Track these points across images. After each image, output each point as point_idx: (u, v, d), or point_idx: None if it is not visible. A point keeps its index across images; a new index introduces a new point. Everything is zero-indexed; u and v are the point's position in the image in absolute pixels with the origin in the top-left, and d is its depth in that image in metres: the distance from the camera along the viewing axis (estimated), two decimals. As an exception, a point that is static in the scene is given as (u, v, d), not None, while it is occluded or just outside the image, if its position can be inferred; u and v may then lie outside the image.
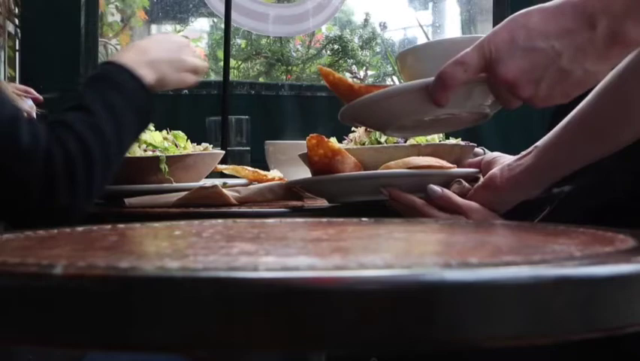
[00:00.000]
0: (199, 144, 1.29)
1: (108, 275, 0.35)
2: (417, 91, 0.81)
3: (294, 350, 0.36)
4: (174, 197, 1.14)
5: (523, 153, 0.92)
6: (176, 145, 1.23)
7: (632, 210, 0.85)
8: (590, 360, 0.83)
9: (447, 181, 0.96)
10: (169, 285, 0.34)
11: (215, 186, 1.13)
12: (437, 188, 0.94)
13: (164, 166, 1.18)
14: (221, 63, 2.27)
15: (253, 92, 2.36)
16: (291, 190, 1.19)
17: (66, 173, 0.95)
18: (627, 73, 0.72)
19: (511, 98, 0.77)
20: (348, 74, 3.30)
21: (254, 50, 3.19)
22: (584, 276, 0.37)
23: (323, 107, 2.27)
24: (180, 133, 1.28)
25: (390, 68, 3.32)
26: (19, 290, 0.35)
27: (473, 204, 0.93)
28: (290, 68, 3.17)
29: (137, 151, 1.21)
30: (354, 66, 3.33)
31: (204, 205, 1.12)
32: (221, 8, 2.31)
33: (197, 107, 2.21)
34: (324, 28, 3.29)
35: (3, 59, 2.55)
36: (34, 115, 1.45)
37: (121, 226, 0.65)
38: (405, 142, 1.08)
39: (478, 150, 1.12)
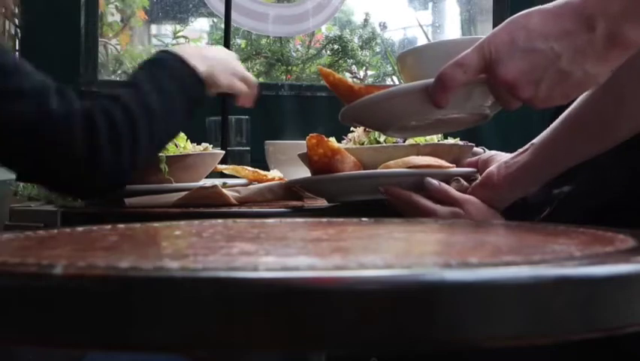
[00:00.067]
0: (199, 144, 1.29)
1: (108, 275, 0.35)
2: (417, 92, 0.81)
3: (294, 350, 0.36)
4: (174, 197, 1.14)
5: (520, 150, 0.92)
6: (176, 145, 1.23)
7: (632, 209, 0.85)
8: (590, 360, 0.83)
9: (446, 180, 0.97)
10: (169, 285, 0.34)
11: (215, 186, 1.13)
12: (434, 181, 0.95)
13: (164, 166, 1.18)
14: (221, 63, 2.26)
15: (253, 92, 2.35)
16: (291, 190, 1.19)
17: (111, 137, 0.97)
18: (622, 70, 0.72)
19: (510, 99, 0.77)
20: (348, 74, 3.30)
21: (254, 50, 3.19)
22: (584, 276, 0.37)
23: (323, 107, 2.27)
24: (180, 133, 1.28)
25: (390, 68, 3.31)
26: (19, 290, 0.35)
27: (470, 197, 0.94)
28: (290, 68, 3.16)
29: (137, 151, 1.21)
30: (354, 66, 3.32)
31: (204, 205, 1.12)
32: (221, 8, 2.31)
33: (197, 107, 2.20)
34: (324, 28, 3.28)
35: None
36: None
37: (121, 225, 0.65)
38: (404, 142, 1.08)
39: (478, 149, 1.12)
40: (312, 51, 3.29)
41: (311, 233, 0.61)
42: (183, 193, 1.14)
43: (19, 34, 2.27)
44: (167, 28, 3.80)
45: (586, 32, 0.70)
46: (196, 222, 0.67)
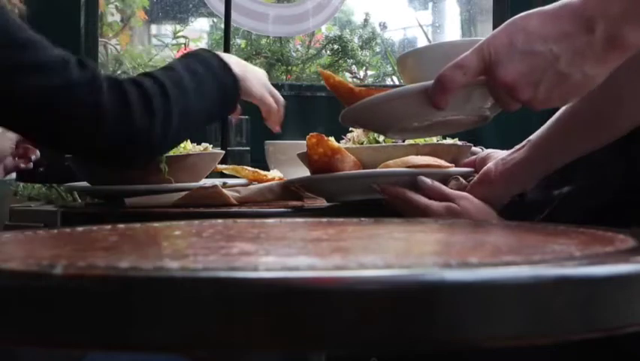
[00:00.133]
0: (199, 144, 1.29)
1: (108, 275, 0.35)
2: (417, 94, 0.81)
3: (294, 350, 0.36)
4: (174, 197, 1.14)
5: (517, 147, 0.93)
6: (176, 145, 1.23)
7: (631, 207, 0.86)
8: (590, 360, 0.83)
9: (444, 180, 0.97)
10: (169, 285, 0.34)
11: (215, 186, 1.13)
12: (427, 179, 0.95)
13: (164, 166, 1.18)
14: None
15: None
16: (291, 190, 1.19)
17: (142, 103, 0.98)
18: (620, 71, 0.73)
19: (510, 100, 0.77)
20: (348, 74, 3.30)
21: (254, 50, 3.19)
22: (584, 276, 0.37)
23: (323, 107, 2.27)
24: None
25: (390, 68, 3.31)
26: (19, 290, 0.35)
27: (464, 193, 0.94)
28: (290, 68, 3.16)
29: (137, 151, 1.21)
30: (354, 66, 3.32)
31: (204, 205, 1.12)
32: (221, 8, 2.31)
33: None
34: (323, 28, 3.28)
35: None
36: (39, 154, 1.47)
37: (121, 225, 0.65)
38: (403, 141, 1.08)
39: (476, 148, 1.12)
40: (312, 51, 3.29)
41: (311, 233, 0.61)
42: (183, 193, 1.14)
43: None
44: (167, 28, 3.80)
45: (585, 34, 0.70)
46: (196, 222, 0.67)
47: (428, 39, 3.52)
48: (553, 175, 0.92)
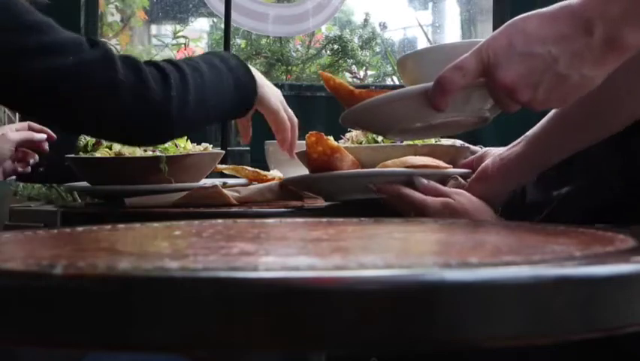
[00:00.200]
0: (199, 144, 1.29)
1: (108, 275, 0.35)
2: (417, 96, 0.81)
3: (294, 350, 0.36)
4: (174, 197, 1.14)
5: (514, 142, 0.94)
6: (176, 145, 1.23)
7: (630, 207, 0.86)
8: (590, 360, 0.83)
9: (442, 180, 0.98)
10: (169, 285, 0.34)
11: (215, 186, 1.13)
12: (423, 179, 0.96)
13: (164, 166, 1.18)
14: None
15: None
16: (291, 190, 1.19)
17: (160, 78, 0.99)
18: (618, 72, 0.73)
19: (509, 102, 0.77)
20: (348, 74, 3.30)
21: (254, 50, 3.19)
22: (584, 276, 0.37)
23: (323, 107, 2.27)
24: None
25: (390, 68, 3.31)
26: (19, 290, 0.35)
27: (460, 190, 0.95)
28: (290, 68, 3.16)
29: (137, 151, 1.21)
30: (353, 66, 3.32)
31: (204, 205, 1.12)
32: (221, 8, 2.31)
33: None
34: (323, 28, 3.28)
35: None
36: (46, 148, 1.47)
37: (121, 225, 0.65)
38: (402, 142, 1.08)
39: (476, 148, 1.13)
40: (312, 51, 3.29)
41: (311, 233, 0.61)
42: (183, 193, 1.14)
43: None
44: (167, 28, 3.80)
45: (583, 36, 0.70)
46: (196, 222, 0.67)
47: (428, 39, 3.52)
48: (552, 176, 0.92)
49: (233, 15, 2.11)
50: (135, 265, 0.38)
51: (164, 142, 1.15)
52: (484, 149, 1.06)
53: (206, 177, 1.31)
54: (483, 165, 0.96)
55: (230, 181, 1.26)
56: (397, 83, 3.09)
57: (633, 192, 0.86)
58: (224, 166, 1.36)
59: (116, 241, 0.56)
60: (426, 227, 0.71)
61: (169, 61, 1.04)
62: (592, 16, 0.69)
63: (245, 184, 1.24)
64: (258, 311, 0.33)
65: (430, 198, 0.94)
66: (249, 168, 1.32)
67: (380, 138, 1.10)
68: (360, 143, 1.10)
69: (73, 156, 1.25)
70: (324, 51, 3.31)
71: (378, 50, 3.42)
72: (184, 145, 1.24)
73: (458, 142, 1.13)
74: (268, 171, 1.36)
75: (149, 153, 1.21)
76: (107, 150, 1.24)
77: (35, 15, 0.96)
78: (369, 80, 3.35)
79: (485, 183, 0.94)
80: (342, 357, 0.45)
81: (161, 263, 0.40)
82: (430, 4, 4.09)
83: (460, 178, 0.99)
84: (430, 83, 0.79)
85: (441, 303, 0.34)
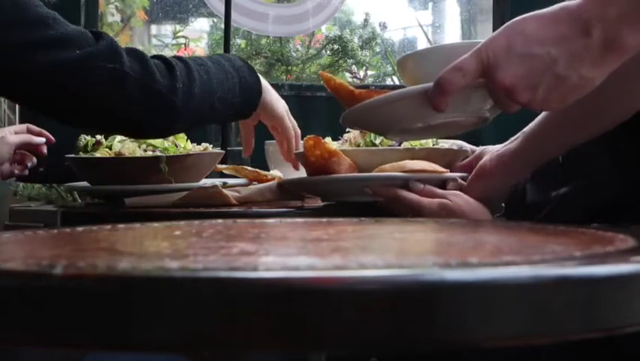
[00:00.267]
0: (199, 144, 1.29)
1: (108, 275, 0.35)
2: (417, 96, 0.81)
3: (294, 350, 0.36)
4: (174, 197, 1.14)
5: (512, 138, 0.95)
6: (176, 145, 1.23)
7: (630, 205, 0.86)
8: (590, 360, 0.83)
9: (439, 184, 0.99)
10: (169, 285, 0.34)
11: (215, 186, 1.13)
12: (419, 184, 0.97)
13: (164, 166, 1.18)
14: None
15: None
16: (291, 190, 1.19)
17: (165, 68, 0.99)
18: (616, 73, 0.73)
19: (509, 102, 0.78)
20: (348, 74, 3.30)
21: (254, 50, 3.18)
22: (584, 276, 0.37)
23: (323, 107, 2.27)
24: (180, 133, 1.28)
25: (390, 68, 3.31)
26: (19, 290, 0.35)
27: (456, 191, 0.96)
28: (290, 68, 3.16)
29: (137, 151, 1.21)
30: (354, 66, 3.32)
31: (204, 205, 1.12)
32: (221, 8, 2.30)
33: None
34: (323, 28, 3.28)
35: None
36: (45, 151, 1.47)
37: (121, 225, 0.65)
38: (399, 145, 1.09)
39: (476, 149, 1.13)
40: (312, 51, 3.29)
41: (311, 233, 0.61)
42: (183, 193, 1.14)
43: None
44: (167, 28, 3.80)
45: (582, 37, 0.70)
46: (196, 222, 0.67)
47: (428, 39, 3.52)
48: (552, 176, 0.93)
49: (233, 15, 2.10)
50: (135, 265, 0.38)
51: (169, 134, 1.15)
52: (481, 148, 1.07)
53: (206, 177, 1.31)
54: (481, 162, 0.97)
55: (230, 181, 1.26)
56: (397, 83, 3.09)
57: (633, 192, 0.86)
58: (224, 166, 1.36)
59: (116, 241, 0.56)
60: (426, 227, 0.71)
61: (174, 56, 1.05)
62: (591, 18, 0.69)
63: (245, 184, 1.24)
64: (258, 311, 0.33)
65: (426, 200, 0.94)
66: (249, 168, 1.32)
67: (378, 141, 1.10)
68: (358, 145, 1.10)
69: (73, 156, 1.25)
70: (324, 51, 3.30)
71: (378, 50, 3.42)
72: (184, 145, 1.24)
73: (458, 143, 1.13)
74: (268, 171, 1.36)
75: (149, 153, 1.21)
76: (107, 150, 1.24)
77: (42, 8, 0.96)
78: (369, 80, 3.35)
79: (484, 180, 0.95)
80: (342, 357, 0.45)
81: (161, 263, 0.40)
82: (430, 4, 4.09)
83: (459, 179, 0.99)
84: (430, 84, 0.79)
85: (441, 303, 0.34)
